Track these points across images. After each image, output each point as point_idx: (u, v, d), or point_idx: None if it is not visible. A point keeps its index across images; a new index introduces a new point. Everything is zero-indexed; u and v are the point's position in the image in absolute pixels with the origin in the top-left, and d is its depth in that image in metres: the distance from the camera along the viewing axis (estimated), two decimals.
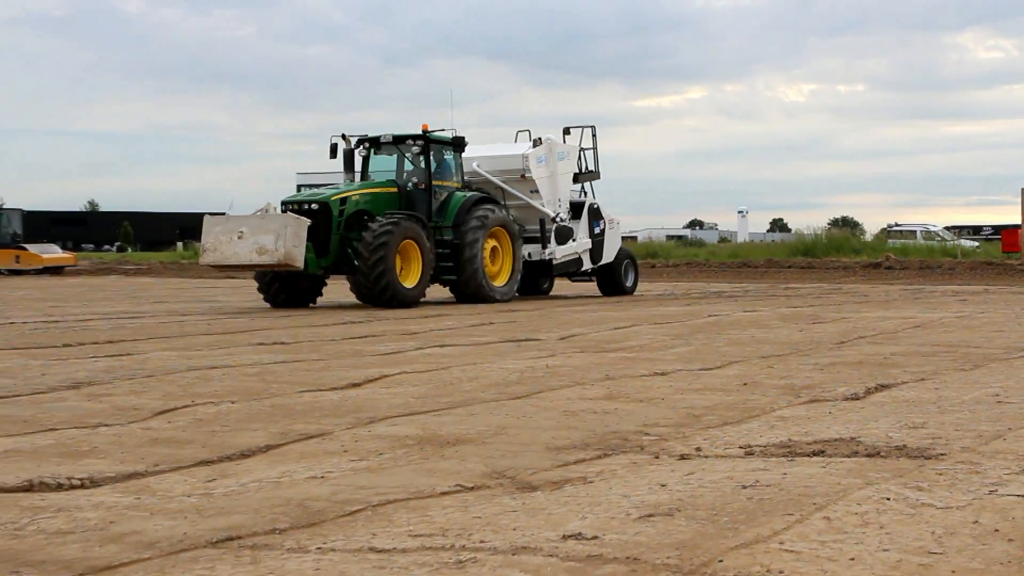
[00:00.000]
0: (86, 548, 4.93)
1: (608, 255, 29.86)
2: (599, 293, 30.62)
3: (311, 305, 24.85)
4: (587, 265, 29.38)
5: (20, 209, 59.53)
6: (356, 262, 23.46)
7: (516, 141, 28.61)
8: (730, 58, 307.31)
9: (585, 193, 30.12)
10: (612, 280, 30.45)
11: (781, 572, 4.42)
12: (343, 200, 24.25)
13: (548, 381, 10.59)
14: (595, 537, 4.95)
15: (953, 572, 4.42)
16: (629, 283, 30.94)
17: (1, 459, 6.88)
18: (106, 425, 8.16)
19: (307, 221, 23.00)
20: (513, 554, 4.69)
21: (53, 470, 6.52)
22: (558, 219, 27.99)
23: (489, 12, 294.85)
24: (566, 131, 29.68)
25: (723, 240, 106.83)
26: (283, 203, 24.30)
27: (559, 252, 28.13)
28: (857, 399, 9.34)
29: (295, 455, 7.06)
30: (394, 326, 18.32)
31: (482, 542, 4.90)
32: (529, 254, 27.73)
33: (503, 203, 27.19)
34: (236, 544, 4.96)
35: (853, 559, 4.59)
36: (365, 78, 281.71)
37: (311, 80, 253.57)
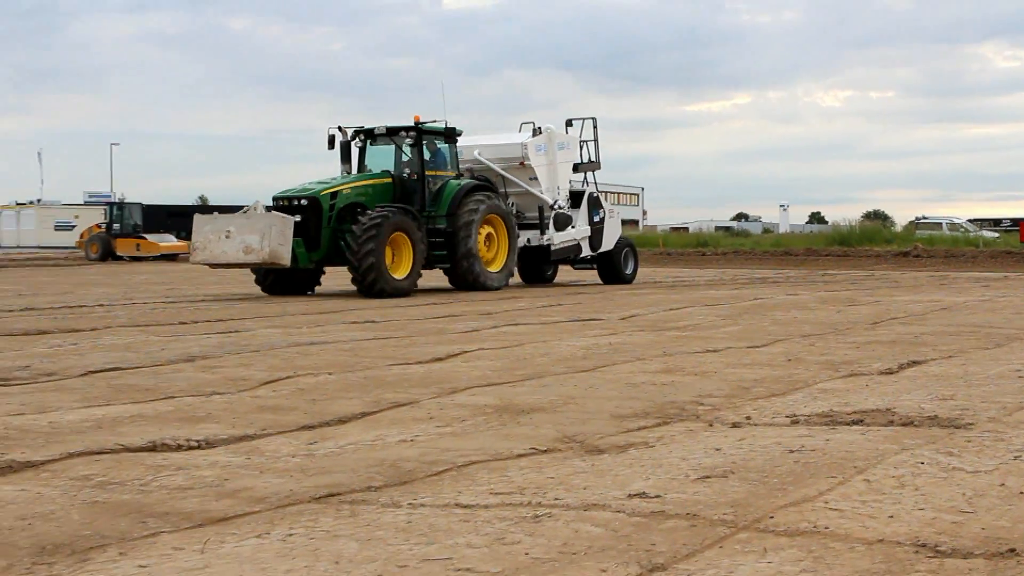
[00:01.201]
0: (204, 502, 4.96)
1: (608, 243, 27.95)
2: (600, 280, 28.49)
3: (308, 294, 23.03)
4: (586, 252, 27.53)
5: (140, 203, 59.94)
6: (347, 254, 21.66)
7: (520, 131, 26.64)
8: (773, 68, 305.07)
9: (588, 183, 28.27)
10: (612, 267, 28.43)
11: (827, 528, 4.38)
12: (334, 194, 22.48)
13: (611, 356, 10.55)
14: (658, 496, 4.93)
15: (983, 529, 4.37)
16: (629, 270, 28.87)
17: (128, 423, 6.92)
18: (219, 393, 8.20)
19: (292, 219, 21.43)
20: (584, 510, 4.68)
21: (173, 433, 6.56)
22: (556, 206, 26.33)
23: (557, 27, 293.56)
24: (568, 123, 27.92)
25: (766, 231, 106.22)
26: (274, 198, 22.76)
27: (557, 239, 26.38)
28: (891, 374, 9.25)
29: (387, 421, 7.07)
30: (472, 307, 18.33)
31: (556, 499, 4.88)
32: (528, 240, 26.08)
33: (503, 190, 25.64)
34: (336, 499, 4.97)
35: (891, 517, 4.54)
36: (447, 87, 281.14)
37: (398, 89, 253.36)
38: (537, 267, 27.80)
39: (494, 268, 24.27)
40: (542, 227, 25.98)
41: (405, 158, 23.77)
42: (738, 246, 60.26)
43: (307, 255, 21.95)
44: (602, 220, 27.68)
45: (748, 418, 7.06)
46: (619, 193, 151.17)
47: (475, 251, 23.41)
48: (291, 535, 4.36)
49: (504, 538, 4.26)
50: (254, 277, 23.04)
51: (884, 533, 4.31)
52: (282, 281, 22.57)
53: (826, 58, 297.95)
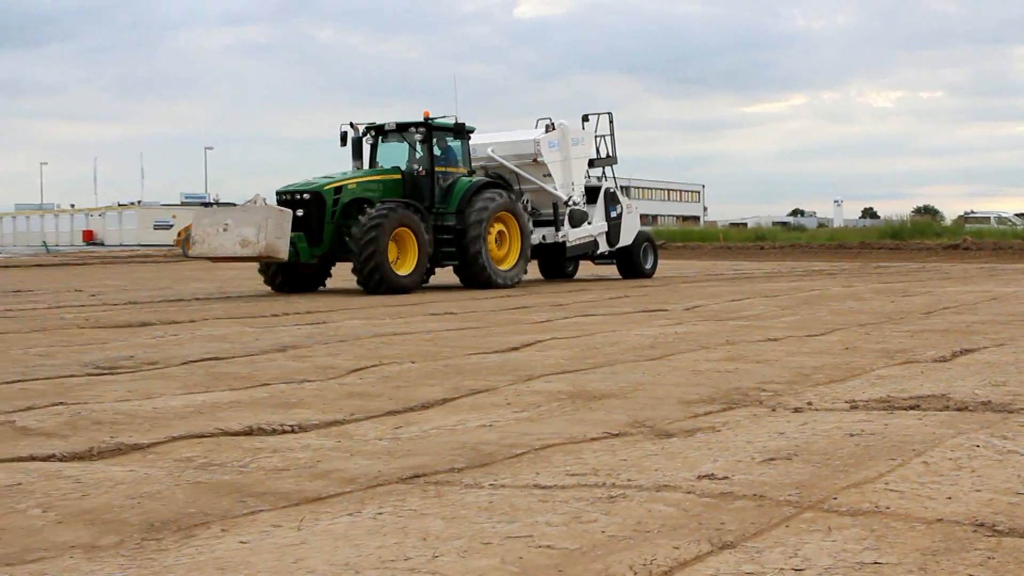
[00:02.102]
0: (298, 482, 4.98)
1: (626, 238, 26.59)
2: (619, 276, 27.52)
3: (320, 289, 22.05)
4: (603, 248, 26.15)
5: (232, 203, 60.55)
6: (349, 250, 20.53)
7: (536, 127, 25.08)
8: (827, 70, 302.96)
9: (605, 178, 26.87)
10: (630, 263, 27.11)
11: (888, 508, 4.33)
12: (338, 189, 21.13)
13: (677, 345, 10.50)
14: (725, 477, 4.89)
15: None
16: (648, 265, 27.49)
17: (226, 409, 6.98)
18: (309, 381, 8.24)
19: (289, 213, 20.07)
20: (656, 491, 4.66)
21: (268, 418, 6.60)
22: (571, 203, 24.87)
23: (622, 34, 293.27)
24: (584, 118, 26.52)
25: (821, 225, 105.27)
26: (277, 192, 21.44)
27: (572, 235, 24.93)
28: (945, 361, 9.13)
29: (467, 407, 7.07)
30: (545, 299, 18.33)
31: (629, 480, 4.86)
32: (544, 237, 24.59)
33: (518, 187, 24.19)
34: (422, 480, 4.98)
35: (950, 498, 4.48)
36: (516, 91, 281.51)
37: (471, 93, 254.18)
38: (556, 263, 26.68)
39: (505, 266, 22.92)
40: (557, 224, 24.71)
41: (416, 154, 22.60)
42: (795, 240, 59.66)
43: (309, 250, 20.74)
44: (619, 216, 26.45)
45: (809, 403, 7.00)
46: (681, 191, 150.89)
47: (484, 249, 22.08)
48: (381, 514, 4.37)
49: (581, 517, 4.25)
50: (264, 275, 21.81)
51: (943, 513, 4.25)
52: (287, 277, 21.45)
53: (878, 60, 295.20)
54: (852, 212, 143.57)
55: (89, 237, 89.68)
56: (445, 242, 21.98)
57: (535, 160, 24.26)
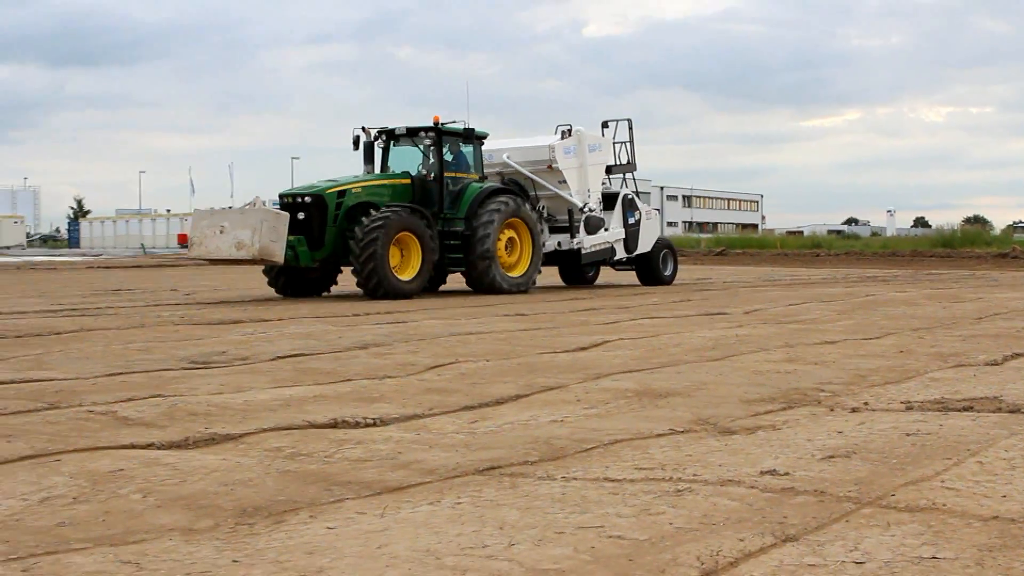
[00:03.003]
0: (381, 472, 4.99)
1: (644, 245, 25.02)
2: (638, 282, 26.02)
3: (324, 295, 20.82)
4: (621, 255, 24.56)
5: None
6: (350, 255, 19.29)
7: (555, 133, 23.72)
8: (881, 86, 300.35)
9: (625, 184, 25.37)
10: (650, 269, 25.57)
11: (944, 505, 4.26)
12: (341, 192, 19.82)
13: (738, 347, 10.42)
14: (787, 473, 4.84)
15: None
16: (668, 272, 25.92)
17: (312, 402, 7.01)
18: (390, 377, 8.26)
19: (286, 216, 18.90)
20: (721, 485, 4.61)
21: (352, 411, 6.62)
22: (587, 209, 23.37)
23: (686, 52, 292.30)
24: (604, 124, 25.22)
25: (874, 234, 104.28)
26: (280, 195, 20.27)
27: (588, 242, 23.41)
28: (996, 364, 8.99)
29: (539, 403, 7.05)
30: (611, 301, 18.27)
31: (695, 475, 4.82)
32: (559, 243, 23.22)
33: (534, 193, 22.97)
34: (497, 472, 4.97)
35: (1004, 496, 4.40)
36: (585, 106, 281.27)
37: (543, 109, 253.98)
38: (577, 269, 25.24)
39: (516, 272, 21.54)
40: (572, 230, 23.24)
41: (423, 159, 21.28)
42: (849, 248, 59.17)
43: (309, 254, 19.42)
44: (637, 222, 24.85)
45: (866, 404, 6.91)
46: (740, 200, 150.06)
47: (493, 255, 20.73)
48: (459, 503, 4.36)
49: (650, 509, 4.22)
50: (268, 277, 20.78)
51: (999, 510, 4.18)
52: (293, 281, 20.42)
53: (929, 77, 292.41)
54: (904, 221, 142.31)
55: (183, 240, 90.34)
56: (453, 248, 20.80)
57: (550, 166, 23.06)
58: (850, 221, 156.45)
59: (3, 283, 26.56)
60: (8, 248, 74.89)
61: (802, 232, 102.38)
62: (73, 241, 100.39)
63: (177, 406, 6.75)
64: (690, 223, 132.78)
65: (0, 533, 3.99)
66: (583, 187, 23.46)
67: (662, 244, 25.95)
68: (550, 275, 25.67)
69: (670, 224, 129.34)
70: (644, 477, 4.80)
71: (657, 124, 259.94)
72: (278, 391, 7.46)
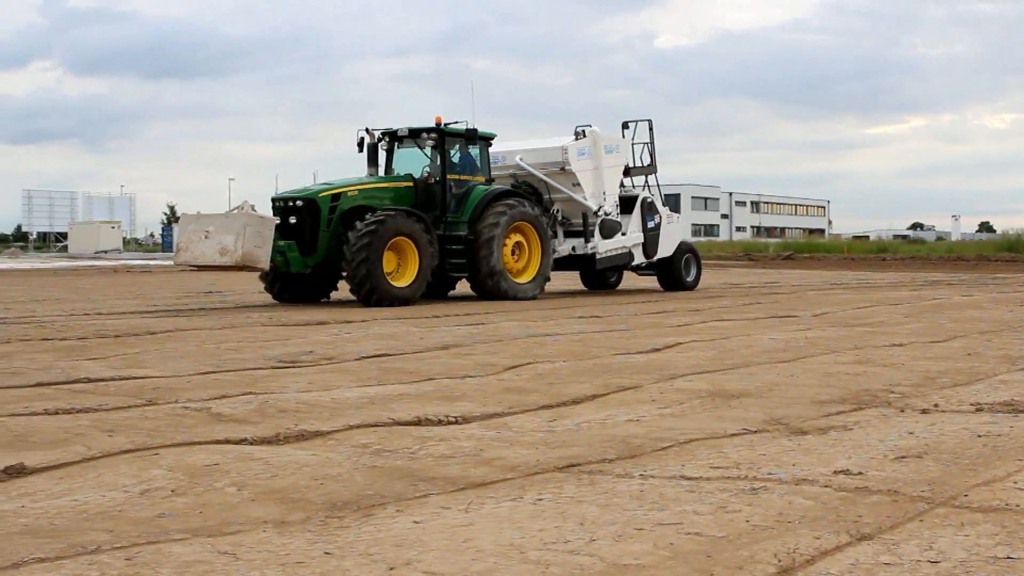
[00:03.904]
0: (464, 469, 4.99)
1: (665, 250, 23.20)
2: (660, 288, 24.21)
3: (323, 301, 19.21)
4: (639, 260, 22.80)
5: None
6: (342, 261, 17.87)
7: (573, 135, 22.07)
8: (945, 94, 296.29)
9: (648, 187, 23.66)
10: (671, 275, 23.70)
11: (1018, 506, 4.18)
12: (336, 196, 18.33)
13: (808, 349, 10.31)
14: (860, 473, 4.78)
15: None
16: (690, 278, 24.01)
17: (396, 400, 7.03)
18: (471, 376, 8.27)
19: (273, 220, 17.59)
20: (795, 484, 4.56)
21: (435, 409, 6.63)
22: (602, 212, 21.73)
23: (754, 62, 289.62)
24: (625, 125, 23.60)
25: (939, 239, 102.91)
26: (272, 199, 18.71)
27: (602, 246, 21.75)
28: None
29: (615, 402, 7.02)
30: (682, 304, 18.16)
31: (769, 474, 4.78)
32: (573, 248, 21.57)
33: (548, 196, 21.40)
34: (577, 469, 4.95)
35: None
36: (655, 115, 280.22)
37: (614, 117, 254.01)
38: (599, 274, 23.62)
39: (524, 279, 19.98)
40: (586, 235, 21.55)
41: (430, 161, 19.75)
42: (914, 252, 58.37)
43: (301, 260, 18.02)
44: (657, 226, 23.03)
45: (936, 405, 6.80)
46: (807, 205, 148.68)
47: (497, 260, 19.24)
48: (540, 499, 4.35)
49: (726, 507, 4.18)
50: (264, 282, 19.33)
51: None
52: (290, 287, 18.97)
53: (993, 85, 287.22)
54: (969, 226, 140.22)
55: None
56: (456, 253, 19.33)
57: (563, 168, 21.43)
58: (915, 226, 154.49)
59: (102, 285, 26.99)
60: (106, 252, 75.97)
61: (868, 237, 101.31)
62: (167, 245, 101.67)
63: (268, 403, 6.80)
64: (758, 228, 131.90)
65: (104, 523, 4.05)
66: (598, 190, 21.91)
67: (685, 249, 24.16)
68: (572, 280, 25.27)
69: (738, 229, 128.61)
70: (720, 475, 4.76)
71: (725, 132, 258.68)
72: (363, 390, 7.50)
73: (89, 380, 8.01)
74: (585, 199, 21.59)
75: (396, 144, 20.26)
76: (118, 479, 4.74)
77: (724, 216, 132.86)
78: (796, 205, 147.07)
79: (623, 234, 22.24)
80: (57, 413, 6.44)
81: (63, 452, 5.29)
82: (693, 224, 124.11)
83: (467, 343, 10.90)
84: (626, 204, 22.66)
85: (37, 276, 35.46)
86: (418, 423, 6.24)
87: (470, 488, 4.59)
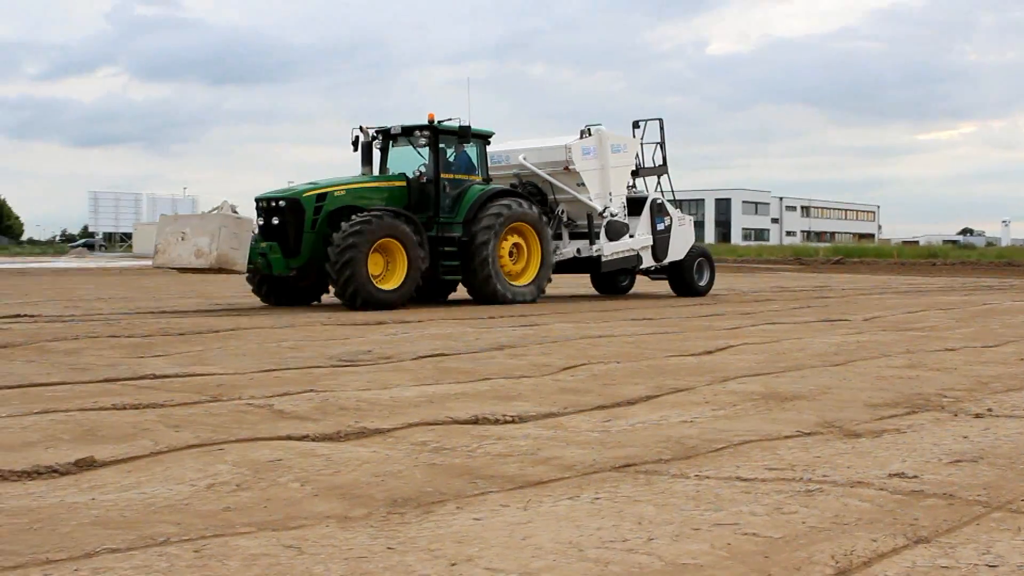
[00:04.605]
0: (521, 467, 4.99)
1: (676, 253, 22.16)
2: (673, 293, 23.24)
3: (313, 304, 18.35)
4: (648, 263, 21.80)
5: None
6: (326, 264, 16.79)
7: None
8: (995, 101, 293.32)
9: (660, 189, 22.71)
10: (682, 279, 22.63)
11: None
12: (321, 196, 17.34)
13: (859, 352, 10.22)
14: (915, 476, 4.72)
15: None
16: (703, 282, 22.91)
17: (453, 400, 7.04)
18: (526, 377, 8.26)
19: (250, 221, 16.72)
20: (851, 487, 4.52)
21: (491, 409, 6.63)
22: (607, 214, 20.71)
23: (805, 68, 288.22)
24: (635, 124, 22.64)
25: (990, 244, 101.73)
26: (256, 199, 17.72)
27: (608, 249, 20.73)
28: None
29: (668, 404, 6.99)
30: (733, 307, 18.06)
31: (824, 476, 4.73)
32: (578, 250, 20.60)
33: (552, 197, 20.61)
34: (632, 469, 4.93)
35: None
36: (706, 120, 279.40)
37: (667, 122, 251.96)
38: (609, 277, 22.81)
39: (522, 281, 19.06)
40: (591, 236, 20.51)
41: (424, 160, 18.71)
42: (964, 257, 57.73)
43: (284, 262, 17.04)
44: (668, 228, 21.98)
45: (989, 410, 6.71)
46: (857, 211, 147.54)
47: (492, 262, 18.32)
48: (597, 498, 4.34)
49: (782, 508, 4.15)
50: (251, 284, 18.25)
51: None
52: (278, 289, 17.93)
53: None
54: (1020, 232, 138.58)
55: None
56: (450, 255, 18.35)
57: (567, 168, 20.42)
58: (965, 231, 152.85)
59: (165, 284, 27.25)
60: None
61: (918, 242, 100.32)
62: None
63: (328, 401, 6.84)
64: (808, 233, 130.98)
65: (172, 515, 4.08)
66: (604, 190, 20.86)
67: (697, 252, 22.97)
68: (584, 284, 24.78)
69: (788, 234, 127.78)
70: (775, 477, 4.72)
71: (776, 138, 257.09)
72: (421, 388, 7.52)
73: (155, 376, 8.08)
74: (590, 200, 20.64)
75: (391, 143, 19.32)
76: (184, 473, 4.78)
77: (774, 220, 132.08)
78: (846, 210, 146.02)
79: (631, 236, 21.31)
80: (125, 408, 6.51)
81: (131, 446, 5.34)
82: (743, 228, 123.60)
83: (522, 344, 10.90)
84: (635, 206, 21.74)
85: (103, 275, 35.88)
86: (475, 422, 6.24)
87: (528, 486, 4.58)
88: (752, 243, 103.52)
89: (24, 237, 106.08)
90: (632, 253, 21.39)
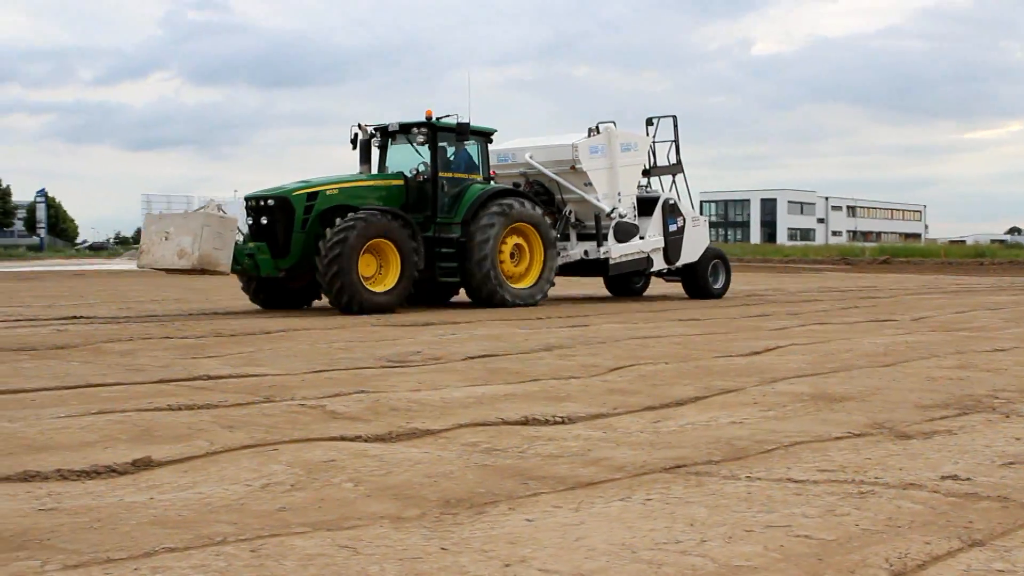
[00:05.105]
0: (572, 468, 4.98)
1: (689, 255, 21.16)
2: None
3: (305, 307, 17.43)
4: (659, 265, 20.87)
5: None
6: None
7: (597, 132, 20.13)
8: None
9: (676, 188, 21.71)
10: (696, 281, 21.60)
11: None
12: (312, 195, 16.48)
13: (908, 353, 10.12)
14: (968, 478, 4.67)
15: None
16: (718, 285, 21.86)
17: (503, 400, 7.04)
18: (575, 377, 8.24)
19: (234, 220, 15.87)
20: (903, 489, 4.47)
21: (541, 409, 6.62)
22: (615, 215, 19.79)
23: (850, 67, 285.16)
24: (649, 121, 21.68)
25: None
26: (245, 199, 17.06)
27: (616, 251, 19.80)
28: None
29: (717, 405, 6.95)
30: (780, 308, 17.95)
31: (876, 478, 4.69)
32: (586, 252, 19.75)
33: (560, 197, 19.80)
34: (683, 471, 4.91)
35: None
36: (751, 121, 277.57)
37: (712, 122, 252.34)
38: (622, 279, 21.84)
39: (523, 284, 18.16)
40: (598, 238, 19.63)
41: (424, 158, 17.76)
42: (1013, 256, 57.05)
43: (272, 263, 16.26)
44: (680, 230, 20.99)
45: None
46: (903, 210, 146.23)
47: (492, 264, 17.39)
48: (649, 499, 4.32)
49: (834, 510, 4.11)
50: (244, 285, 17.51)
51: None
52: (272, 293, 17.20)
53: None
54: None
55: None
56: (447, 256, 17.48)
57: (573, 167, 19.58)
58: (1013, 230, 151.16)
59: (217, 285, 27.41)
60: None
61: (965, 241, 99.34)
62: None
63: (379, 402, 6.85)
64: (854, 232, 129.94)
65: (228, 515, 4.11)
66: (612, 190, 19.94)
67: (711, 254, 21.95)
68: (594, 285, 24.17)
69: (834, 234, 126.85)
70: (826, 479, 4.68)
71: (821, 137, 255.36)
72: (471, 389, 7.52)
73: (208, 377, 8.14)
74: (597, 200, 19.73)
75: (389, 140, 18.48)
76: (239, 473, 4.81)
77: (820, 220, 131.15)
78: (892, 209, 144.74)
79: (641, 238, 20.37)
80: (180, 409, 6.56)
81: (187, 446, 5.39)
82: (789, 228, 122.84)
83: (570, 344, 10.88)
84: (646, 206, 20.80)
85: (155, 276, 36.17)
86: (525, 423, 6.23)
87: (579, 487, 4.57)
88: (798, 243, 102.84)
89: (79, 240, 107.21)
90: (642, 255, 20.54)
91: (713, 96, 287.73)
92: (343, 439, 5.65)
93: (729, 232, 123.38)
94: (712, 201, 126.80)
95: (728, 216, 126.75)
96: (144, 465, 4.95)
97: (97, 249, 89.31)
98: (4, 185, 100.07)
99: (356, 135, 18.32)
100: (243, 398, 7.05)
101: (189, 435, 5.70)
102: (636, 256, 20.35)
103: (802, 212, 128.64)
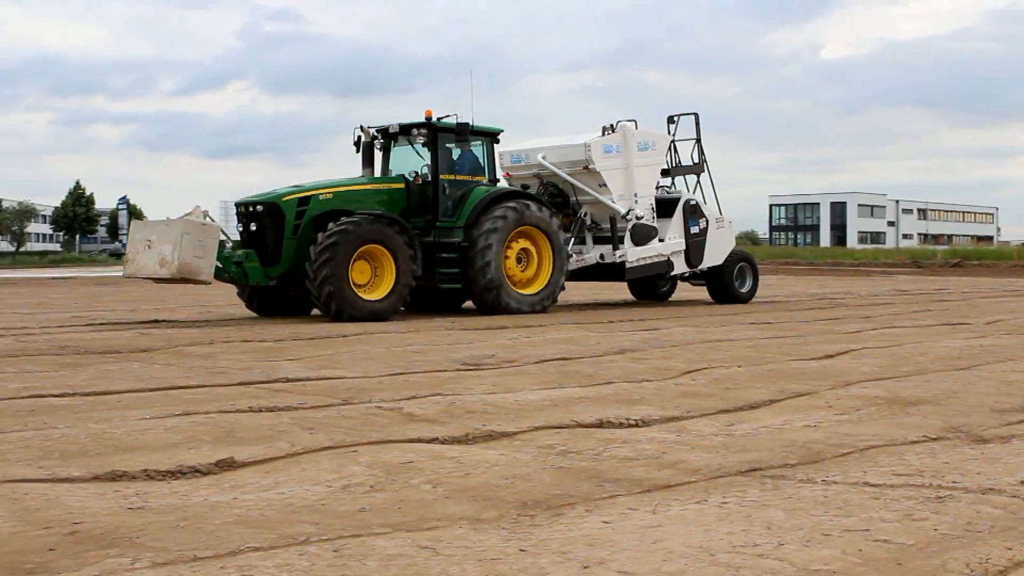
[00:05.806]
0: (648, 471, 4.96)
1: (712, 258, 20.06)
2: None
3: (308, 314, 16.63)
4: (681, 269, 19.73)
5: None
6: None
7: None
8: None
9: (700, 187, 20.64)
10: (721, 285, 20.51)
11: None
12: (304, 200, 15.69)
13: (983, 356, 9.95)
14: None
15: None
16: (745, 289, 20.76)
17: (577, 403, 7.02)
18: (648, 380, 8.21)
19: (217, 227, 15.23)
20: (982, 493, 4.40)
21: (615, 412, 6.60)
22: (631, 216, 18.68)
23: (920, 70, 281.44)
24: (670, 119, 20.51)
25: None
26: (236, 204, 16.48)
27: (632, 254, 18.71)
28: None
29: (791, 408, 6.89)
30: (852, 311, 17.73)
31: (954, 482, 4.61)
32: (601, 256, 18.74)
33: (574, 199, 18.82)
34: (759, 474, 4.87)
35: None
36: (821, 125, 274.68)
37: (781, 126, 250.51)
38: (647, 283, 20.89)
39: (531, 289, 17.20)
40: (614, 241, 18.61)
41: (426, 160, 16.96)
42: None
43: (261, 270, 15.49)
44: (703, 231, 19.85)
45: None
46: (975, 213, 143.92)
47: (495, 269, 16.50)
48: (725, 503, 4.29)
49: (913, 514, 4.05)
50: (240, 293, 16.81)
51: None
52: (266, 299, 16.48)
53: None
54: None
55: None
56: (448, 261, 16.59)
57: (586, 167, 18.57)
58: None
59: None
60: None
61: None
62: None
63: (455, 404, 6.88)
64: (925, 235, 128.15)
65: (310, 515, 4.14)
66: (628, 191, 18.87)
67: (738, 257, 20.91)
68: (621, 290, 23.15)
69: (905, 236, 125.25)
70: (903, 483, 4.62)
71: (891, 140, 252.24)
72: (545, 392, 7.52)
73: (288, 380, 8.22)
74: (612, 201, 18.68)
75: (391, 142, 17.67)
76: (320, 474, 4.85)
77: (891, 224, 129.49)
78: (963, 212, 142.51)
79: (660, 240, 19.29)
80: (261, 411, 6.62)
81: (268, 448, 5.44)
82: (859, 231, 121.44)
83: (642, 348, 10.84)
84: (666, 207, 19.72)
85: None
86: (600, 425, 6.22)
87: (655, 490, 4.55)
88: (868, 246, 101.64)
89: None
90: (661, 258, 19.41)
91: (783, 100, 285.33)
92: (420, 441, 5.67)
93: (799, 236, 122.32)
94: (782, 205, 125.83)
95: (798, 220, 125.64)
96: (227, 466, 5.01)
97: None
98: (88, 193, 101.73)
99: (359, 137, 17.62)
100: (322, 400, 7.11)
101: (270, 436, 5.76)
102: (654, 259, 19.34)
103: (872, 215, 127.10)
